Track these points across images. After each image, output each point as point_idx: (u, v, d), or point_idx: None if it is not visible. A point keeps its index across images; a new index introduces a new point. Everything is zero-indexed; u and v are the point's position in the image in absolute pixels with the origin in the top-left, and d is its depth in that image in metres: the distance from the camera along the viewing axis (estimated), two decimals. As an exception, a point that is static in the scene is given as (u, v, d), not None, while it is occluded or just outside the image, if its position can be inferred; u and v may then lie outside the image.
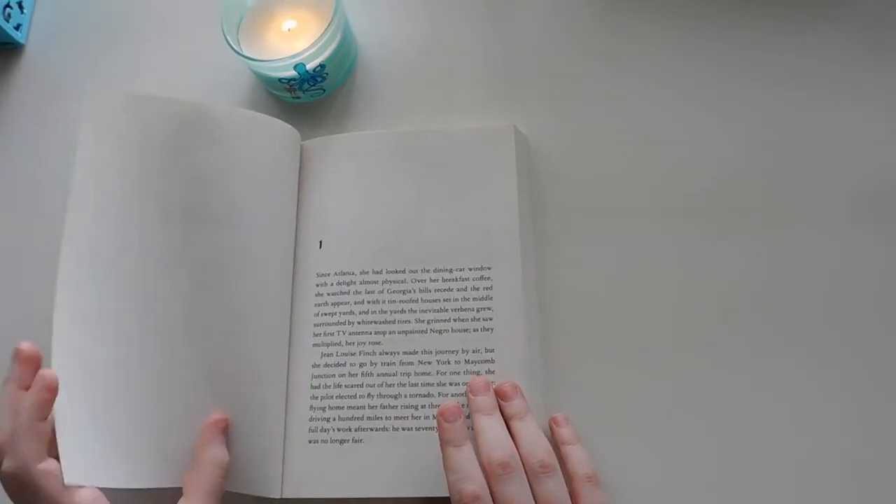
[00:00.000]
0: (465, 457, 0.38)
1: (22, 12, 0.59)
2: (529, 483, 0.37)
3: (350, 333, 0.45)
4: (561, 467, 0.39)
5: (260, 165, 0.47)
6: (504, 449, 0.38)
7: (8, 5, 0.57)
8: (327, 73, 0.51)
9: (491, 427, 0.39)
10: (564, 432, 0.42)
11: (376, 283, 0.45)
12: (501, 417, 0.40)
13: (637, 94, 0.50)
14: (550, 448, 0.39)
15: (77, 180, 0.43)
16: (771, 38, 0.49)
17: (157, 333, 0.45)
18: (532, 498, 0.37)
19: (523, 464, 0.38)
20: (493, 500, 0.37)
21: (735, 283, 0.44)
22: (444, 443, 0.39)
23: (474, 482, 0.37)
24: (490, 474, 0.37)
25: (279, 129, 0.48)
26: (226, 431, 0.43)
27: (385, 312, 0.45)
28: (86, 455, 0.39)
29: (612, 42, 0.51)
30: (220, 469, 0.41)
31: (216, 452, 0.41)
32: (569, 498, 0.38)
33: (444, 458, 0.38)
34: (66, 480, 0.37)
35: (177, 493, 0.40)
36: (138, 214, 0.45)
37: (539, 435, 0.39)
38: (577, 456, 0.40)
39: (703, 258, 0.45)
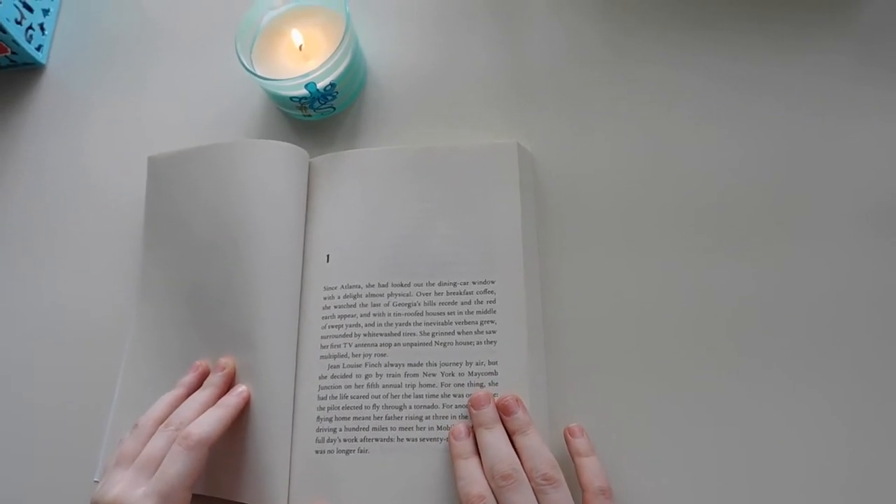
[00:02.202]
0: (471, 465, 0.40)
1: (43, 34, 0.61)
2: (536, 496, 0.38)
3: (356, 345, 0.45)
4: (577, 478, 0.40)
5: (269, 188, 0.48)
6: (506, 461, 0.39)
7: (30, 27, 0.59)
8: (338, 92, 0.52)
9: (493, 441, 0.40)
10: (579, 443, 0.42)
11: (382, 296, 0.46)
12: (503, 430, 0.41)
13: (641, 111, 0.50)
14: (554, 461, 0.39)
15: (146, 228, 0.52)
16: (775, 55, 0.50)
17: (179, 345, 0.48)
18: None
19: (528, 478, 0.39)
20: None
21: (737, 297, 0.45)
22: (453, 457, 0.41)
23: (479, 485, 0.39)
24: (494, 488, 0.38)
25: (287, 151, 0.50)
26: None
27: (391, 325, 0.45)
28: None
29: (616, 61, 0.52)
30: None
31: None
32: None
33: (454, 470, 0.41)
34: None
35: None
36: (174, 252, 0.49)
37: (542, 448, 0.40)
38: (591, 468, 0.40)
39: (707, 273, 0.46)
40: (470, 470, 0.40)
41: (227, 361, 0.45)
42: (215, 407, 0.43)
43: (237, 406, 0.43)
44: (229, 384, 0.45)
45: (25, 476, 0.48)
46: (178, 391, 0.44)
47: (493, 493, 0.39)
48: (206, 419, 0.41)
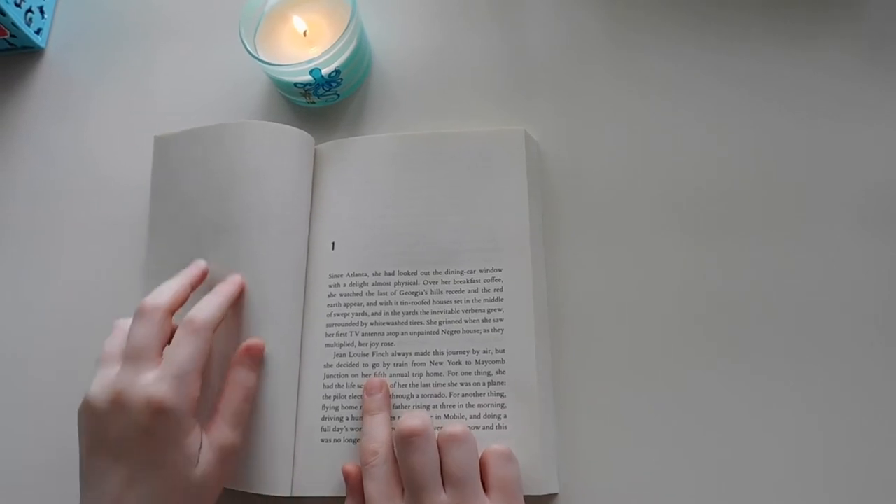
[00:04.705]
0: (375, 421, 0.41)
1: (43, 17, 0.60)
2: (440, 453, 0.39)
3: (363, 334, 0.45)
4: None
5: (275, 172, 0.48)
6: (419, 417, 0.39)
7: (29, 10, 0.58)
8: (342, 79, 0.51)
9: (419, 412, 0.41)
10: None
11: (388, 284, 0.46)
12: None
13: (644, 102, 0.50)
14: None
15: (151, 209, 0.51)
16: (777, 52, 0.50)
17: None
18: (438, 466, 0.38)
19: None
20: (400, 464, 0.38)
21: (745, 288, 0.45)
22: (363, 413, 0.42)
23: (376, 441, 0.39)
24: (397, 442, 0.39)
25: (293, 136, 0.49)
26: (258, 358, 0.43)
27: (397, 314, 0.45)
28: None
29: (619, 51, 0.52)
30: (243, 391, 0.41)
31: (241, 376, 0.42)
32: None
33: (362, 426, 0.42)
34: None
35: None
36: (179, 232, 0.49)
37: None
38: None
39: (711, 263, 0.46)
40: (373, 426, 0.41)
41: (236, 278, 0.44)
42: (212, 294, 0.42)
43: (232, 294, 0.43)
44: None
45: (23, 461, 0.48)
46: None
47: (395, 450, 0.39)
48: (205, 305, 0.40)
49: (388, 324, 0.45)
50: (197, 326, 0.39)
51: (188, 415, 0.37)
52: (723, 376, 0.43)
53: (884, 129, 0.47)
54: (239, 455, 0.42)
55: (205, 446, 0.38)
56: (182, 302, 0.42)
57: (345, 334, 0.45)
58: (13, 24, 0.56)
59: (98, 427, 0.37)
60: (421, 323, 0.45)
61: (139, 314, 0.39)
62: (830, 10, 0.50)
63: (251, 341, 0.43)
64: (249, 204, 0.47)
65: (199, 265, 0.45)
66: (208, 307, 0.40)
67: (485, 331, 0.44)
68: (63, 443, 0.48)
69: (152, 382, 0.36)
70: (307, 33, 0.52)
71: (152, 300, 0.40)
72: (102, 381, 0.38)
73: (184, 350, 0.38)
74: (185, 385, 0.37)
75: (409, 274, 0.46)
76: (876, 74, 0.48)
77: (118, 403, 0.36)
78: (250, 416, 0.43)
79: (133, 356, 0.38)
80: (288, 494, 0.42)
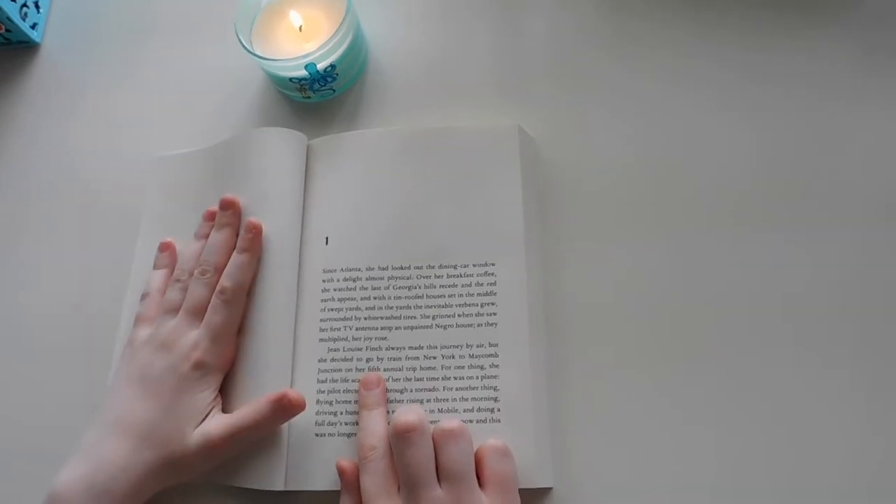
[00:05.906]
0: (373, 417, 0.41)
1: (38, 11, 0.60)
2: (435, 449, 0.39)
3: (356, 329, 0.45)
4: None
5: (266, 173, 0.48)
6: (413, 412, 0.39)
7: (24, 4, 0.58)
8: (338, 74, 0.51)
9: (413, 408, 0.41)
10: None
11: (382, 279, 0.46)
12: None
13: (644, 96, 0.50)
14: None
15: (144, 224, 0.52)
16: (783, 43, 0.50)
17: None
18: (433, 461, 0.38)
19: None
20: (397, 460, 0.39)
21: (743, 284, 0.45)
22: (360, 408, 0.42)
23: (373, 436, 0.40)
24: (393, 437, 0.39)
25: (283, 136, 0.50)
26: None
27: (391, 308, 0.45)
28: None
29: (619, 45, 0.52)
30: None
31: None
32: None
33: (359, 421, 0.42)
34: None
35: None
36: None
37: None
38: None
39: (706, 260, 0.45)
40: (370, 421, 0.41)
41: (232, 199, 0.47)
42: (239, 254, 0.45)
43: (256, 245, 0.46)
44: (240, 218, 0.47)
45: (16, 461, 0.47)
46: (197, 243, 0.47)
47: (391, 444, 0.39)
48: (233, 271, 0.45)
49: (382, 318, 0.45)
50: (227, 297, 0.44)
51: (217, 370, 0.43)
52: (719, 369, 0.43)
53: (890, 119, 0.47)
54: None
55: (216, 413, 0.42)
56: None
57: (338, 329, 0.45)
58: (8, 18, 0.56)
59: (145, 362, 0.43)
60: (414, 317, 0.45)
61: (201, 278, 0.45)
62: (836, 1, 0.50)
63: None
64: (242, 205, 0.48)
65: (208, 216, 0.48)
66: (235, 273, 0.45)
67: (478, 325, 0.44)
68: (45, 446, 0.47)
69: (194, 342, 0.43)
70: (303, 28, 0.52)
71: (212, 269, 0.45)
72: (167, 327, 0.44)
73: (217, 318, 0.43)
74: (217, 346, 0.43)
75: (402, 268, 0.46)
76: (880, 63, 0.48)
77: (167, 347, 0.43)
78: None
79: (191, 311, 0.44)
80: (282, 489, 0.42)
